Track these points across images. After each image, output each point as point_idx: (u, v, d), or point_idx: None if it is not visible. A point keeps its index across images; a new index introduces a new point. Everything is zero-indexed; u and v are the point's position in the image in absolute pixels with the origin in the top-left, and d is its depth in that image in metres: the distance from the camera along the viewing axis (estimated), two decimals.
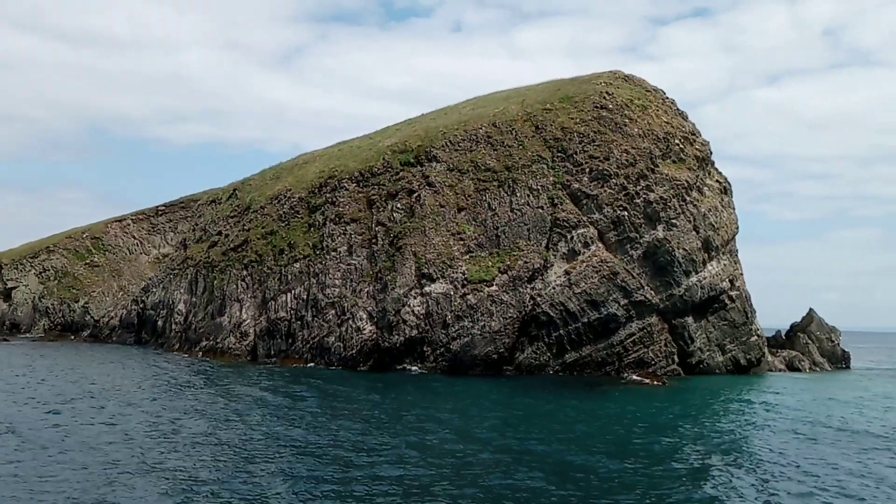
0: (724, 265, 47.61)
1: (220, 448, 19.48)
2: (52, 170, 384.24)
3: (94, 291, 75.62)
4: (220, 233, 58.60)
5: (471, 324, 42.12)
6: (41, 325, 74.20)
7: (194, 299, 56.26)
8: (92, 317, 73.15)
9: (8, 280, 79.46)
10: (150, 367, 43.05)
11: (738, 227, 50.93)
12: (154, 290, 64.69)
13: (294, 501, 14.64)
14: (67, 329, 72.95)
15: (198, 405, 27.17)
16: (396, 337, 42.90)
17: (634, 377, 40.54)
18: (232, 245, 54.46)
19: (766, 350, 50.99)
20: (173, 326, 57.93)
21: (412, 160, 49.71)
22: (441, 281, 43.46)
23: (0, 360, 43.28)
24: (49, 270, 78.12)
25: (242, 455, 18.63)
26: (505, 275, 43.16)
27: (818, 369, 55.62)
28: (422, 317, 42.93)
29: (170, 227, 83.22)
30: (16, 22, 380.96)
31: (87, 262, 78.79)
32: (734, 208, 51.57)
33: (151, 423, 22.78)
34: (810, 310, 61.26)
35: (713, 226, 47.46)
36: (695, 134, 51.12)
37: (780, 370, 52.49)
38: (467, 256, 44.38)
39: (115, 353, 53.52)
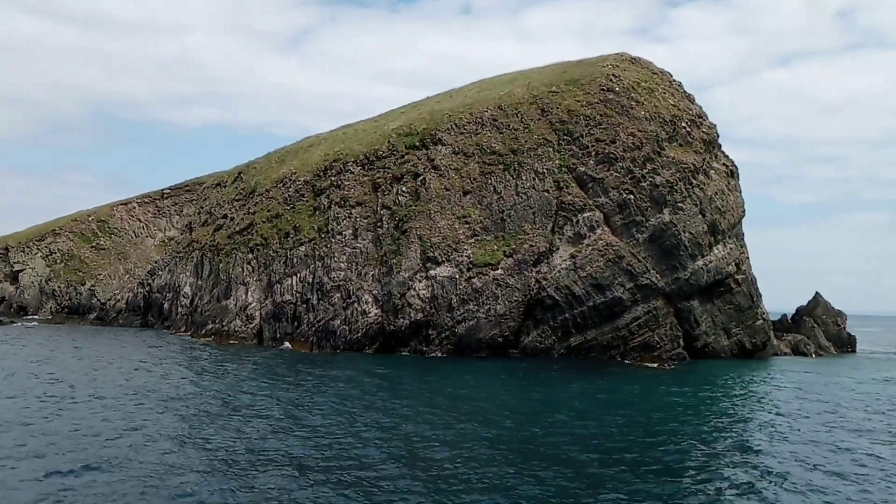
0: (731, 249, 47.45)
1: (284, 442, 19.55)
2: (59, 153, 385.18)
3: (100, 274, 75.83)
4: (225, 216, 58.62)
5: (476, 307, 42.13)
6: (48, 308, 74.50)
7: (200, 282, 56.40)
8: (98, 300, 73.39)
9: (15, 263, 79.73)
10: (172, 352, 43.24)
11: (744, 211, 50.70)
12: (160, 273, 64.84)
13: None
14: (74, 312, 73.23)
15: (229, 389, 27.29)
16: (402, 320, 42.96)
17: (639, 361, 40.50)
18: (237, 228, 54.49)
19: (771, 334, 50.92)
20: (179, 309, 58.13)
21: (417, 143, 49.55)
22: (446, 264, 43.44)
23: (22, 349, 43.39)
24: (56, 253, 78.34)
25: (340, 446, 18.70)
26: (510, 258, 43.12)
27: (824, 353, 55.54)
28: (427, 300, 42.96)
29: (175, 211, 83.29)
30: (24, 5, 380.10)
31: (94, 245, 78.98)
32: (741, 192, 51.33)
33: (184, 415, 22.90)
34: (816, 293, 61.15)
35: (719, 209, 47.25)
36: (702, 117, 50.77)
37: (785, 354, 52.45)
38: (473, 240, 44.32)
39: (125, 337, 53.73)
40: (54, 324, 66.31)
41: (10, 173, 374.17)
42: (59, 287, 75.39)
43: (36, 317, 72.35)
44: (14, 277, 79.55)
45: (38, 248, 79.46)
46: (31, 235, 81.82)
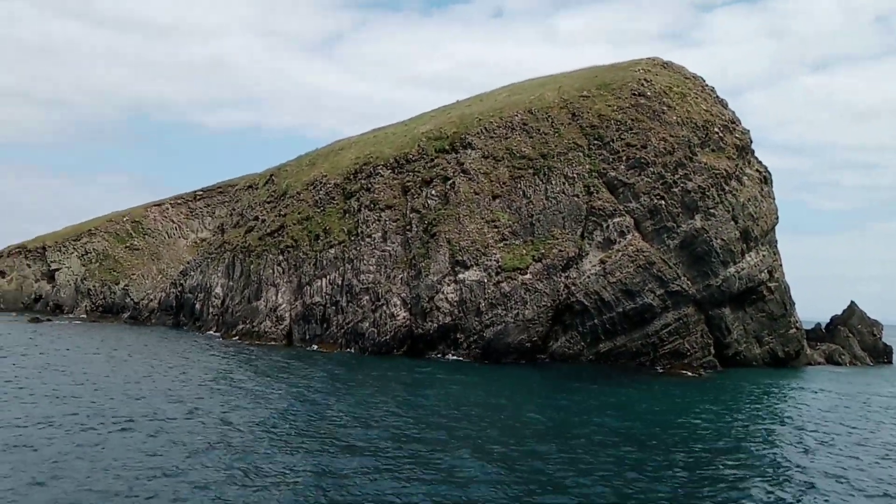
0: (763, 256, 46.82)
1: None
2: (94, 154, 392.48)
3: (134, 274, 77.02)
4: (256, 218, 59.27)
5: (504, 311, 42.06)
6: (83, 307, 75.83)
7: (231, 283, 57.05)
8: (132, 299, 74.54)
9: (52, 262, 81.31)
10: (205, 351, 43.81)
11: (777, 218, 50.00)
12: (192, 273, 65.69)
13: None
14: (108, 311, 74.46)
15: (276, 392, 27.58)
16: (430, 324, 43.03)
17: (669, 368, 40.07)
18: (268, 230, 55.05)
19: (804, 343, 50.12)
20: (211, 310, 58.83)
21: (447, 147, 49.66)
22: (475, 268, 43.44)
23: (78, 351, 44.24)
24: (91, 253, 79.74)
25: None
26: (539, 263, 42.98)
27: (859, 363, 54.53)
28: (455, 304, 42.99)
29: (207, 212, 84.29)
30: (62, 10, 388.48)
31: (128, 245, 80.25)
32: (774, 198, 50.63)
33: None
34: (851, 302, 60.07)
35: (752, 216, 46.65)
36: (735, 122, 50.22)
37: (818, 363, 51.56)
38: (501, 244, 44.27)
39: (157, 336, 54.52)
40: (89, 322, 67.47)
41: (47, 174, 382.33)
42: (93, 286, 76.71)
43: (70, 315, 73.69)
44: (51, 276, 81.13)
45: (74, 248, 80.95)
46: (68, 235, 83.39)
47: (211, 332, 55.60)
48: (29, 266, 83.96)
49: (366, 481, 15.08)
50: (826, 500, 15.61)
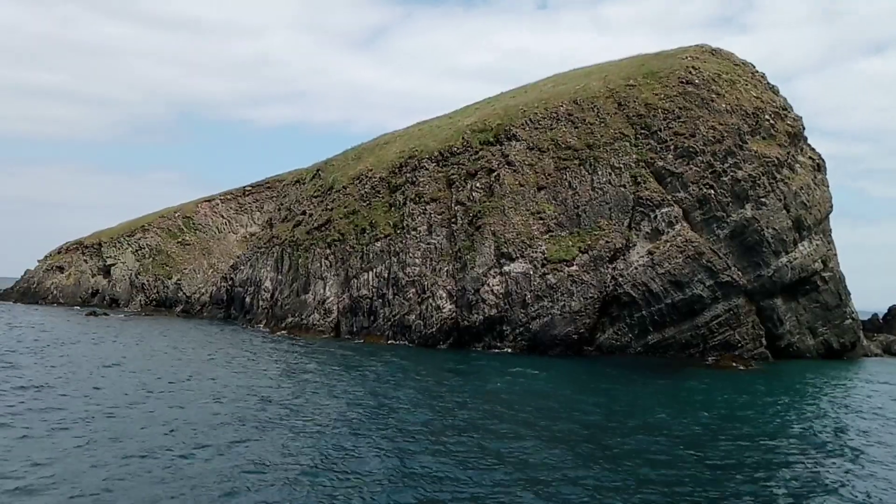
0: (817, 245, 45.73)
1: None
2: (146, 152, 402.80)
3: (185, 269, 78.84)
4: (304, 212, 60.10)
5: (550, 303, 41.93)
6: (138, 301, 77.92)
7: (280, 277, 58.00)
8: (184, 293, 76.34)
9: (107, 258, 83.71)
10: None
11: (831, 206, 48.76)
12: (242, 267, 66.94)
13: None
14: (161, 304, 76.39)
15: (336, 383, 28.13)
16: (476, 316, 43.14)
17: (720, 360, 39.44)
18: (316, 224, 55.78)
19: (861, 334, 48.86)
20: (260, 303, 59.93)
21: (492, 139, 49.59)
22: (520, 260, 43.37)
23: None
24: (144, 248, 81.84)
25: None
26: (585, 254, 42.71)
27: None
28: (501, 296, 43.01)
29: (256, 207, 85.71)
30: (110, 11, 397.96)
31: (179, 240, 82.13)
32: (828, 186, 49.37)
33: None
34: None
35: (805, 204, 45.59)
36: (786, 109, 49.08)
37: (876, 355, 50.23)
38: (547, 236, 44.10)
39: (215, 330, 55.78)
40: (144, 315, 69.33)
41: (102, 172, 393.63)
42: (147, 281, 78.74)
43: (126, 309, 75.80)
44: (107, 271, 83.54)
45: (128, 244, 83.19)
46: (122, 231, 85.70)
47: (260, 325, 56.60)
48: (86, 262, 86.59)
49: (435, 466, 15.33)
50: None
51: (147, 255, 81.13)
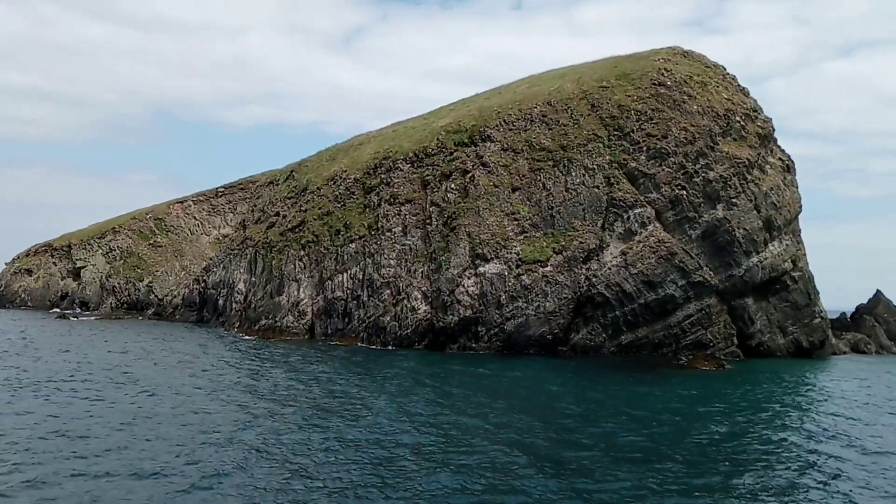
0: (787, 245, 46.37)
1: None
2: (121, 153, 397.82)
3: (157, 271, 78.00)
4: (277, 213, 59.70)
5: (525, 304, 42.04)
6: (108, 304, 76.90)
7: (254, 279, 57.53)
8: (156, 295, 75.50)
9: (77, 260, 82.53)
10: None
11: (801, 207, 49.47)
12: (215, 269, 66.33)
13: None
14: (133, 307, 75.49)
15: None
16: (451, 317, 43.13)
17: (692, 359, 39.81)
18: (289, 226, 55.43)
19: (829, 333, 49.61)
20: (234, 305, 59.38)
21: (466, 140, 49.64)
22: (495, 261, 43.45)
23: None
24: (115, 251, 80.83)
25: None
26: (560, 255, 42.90)
27: (884, 352, 53.91)
28: (476, 297, 43.04)
29: (229, 209, 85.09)
30: (89, 10, 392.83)
31: (151, 242, 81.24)
32: (797, 187, 50.09)
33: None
34: (878, 291, 59.40)
35: (775, 205, 46.21)
36: (756, 111, 49.71)
37: (844, 353, 51.04)
38: (522, 237, 44.22)
39: (186, 333, 55.15)
40: (114, 319, 68.37)
41: (75, 173, 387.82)
42: (118, 283, 77.77)
43: (96, 312, 74.70)
44: (76, 274, 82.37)
45: (98, 246, 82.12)
46: (93, 233, 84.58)
47: (235, 328, 56.06)
48: (55, 264, 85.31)
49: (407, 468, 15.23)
50: (853, 484, 15.50)
51: (118, 258, 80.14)
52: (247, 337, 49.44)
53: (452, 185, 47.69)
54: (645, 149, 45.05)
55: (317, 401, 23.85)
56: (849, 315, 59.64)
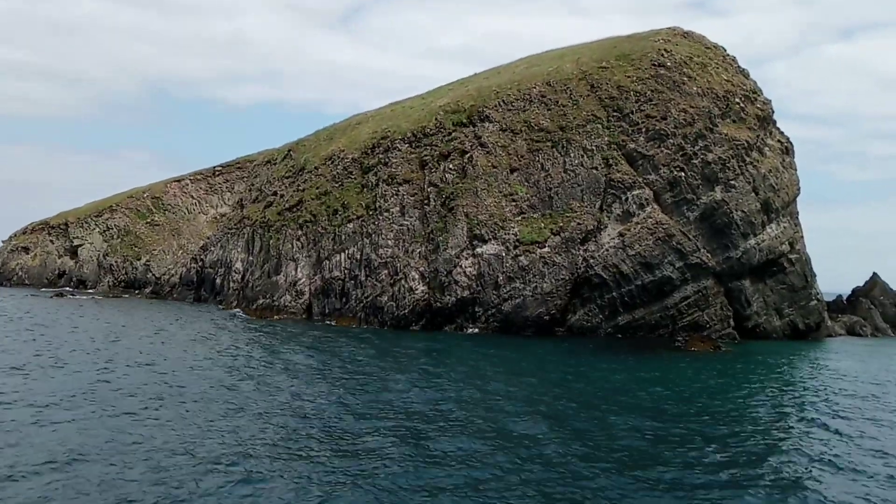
0: (784, 227, 46.44)
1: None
2: (117, 131, 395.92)
3: (155, 249, 77.83)
4: (275, 193, 59.54)
5: (522, 285, 42.13)
6: (105, 282, 76.80)
7: (251, 258, 57.51)
8: (153, 274, 75.41)
9: (74, 238, 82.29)
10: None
11: (799, 189, 49.50)
12: (212, 248, 66.24)
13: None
14: (130, 286, 75.41)
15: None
16: (448, 297, 43.21)
17: (689, 341, 39.97)
18: (287, 205, 55.30)
19: (825, 315, 49.85)
20: (231, 284, 59.40)
21: (465, 120, 49.44)
22: (493, 242, 43.46)
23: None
24: (112, 229, 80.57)
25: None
26: (557, 236, 42.92)
27: (880, 335, 54.23)
28: (473, 277, 43.11)
29: (227, 188, 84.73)
30: None
31: (148, 220, 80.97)
32: (796, 169, 50.09)
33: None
34: (874, 274, 59.60)
35: (773, 187, 46.20)
36: (756, 92, 49.55)
37: (839, 335, 51.32)
38: (519, 217, 44.21)
39: (184, 311, 55.23)
40: (112, 297, 68.37)
41: (71, 151, 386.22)
42: (115, 262, 77.61)
43: (93, 290, 74.64)
44: (74, 252, 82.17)
45: (96, 224, 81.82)
46: (90, 211, 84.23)
47: (231, 307, 56.12)
48: (52, 242, 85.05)
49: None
50: (840, 471, 15.66)
51: (115, 236, 79.92)
52: (244, 315, 49.50)
53: (451, 166, 47.57)
54: (644, 130, 44.93)
55: (335, 377, 23.97)
56: (845, 298, 59.88)
